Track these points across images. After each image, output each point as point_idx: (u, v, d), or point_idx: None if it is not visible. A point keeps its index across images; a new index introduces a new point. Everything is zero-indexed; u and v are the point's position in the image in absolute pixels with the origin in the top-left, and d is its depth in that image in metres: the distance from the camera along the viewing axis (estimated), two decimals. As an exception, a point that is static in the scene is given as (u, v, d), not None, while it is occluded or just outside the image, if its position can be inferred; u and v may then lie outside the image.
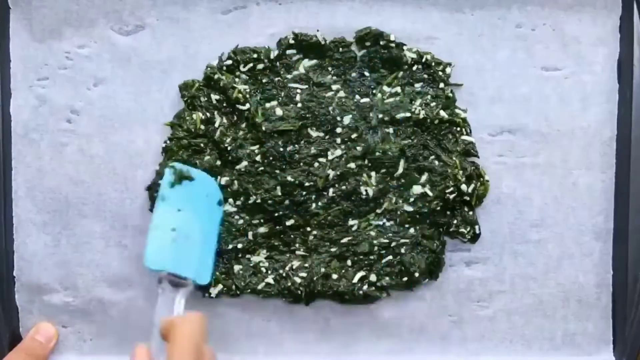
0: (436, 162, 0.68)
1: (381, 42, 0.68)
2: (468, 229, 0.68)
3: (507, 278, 0.69)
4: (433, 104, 0.68)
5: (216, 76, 0.68)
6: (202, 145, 0.69)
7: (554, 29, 0.68)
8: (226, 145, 0.68)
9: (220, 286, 0.68)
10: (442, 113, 0.68)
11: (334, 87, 0.68)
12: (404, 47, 0.68)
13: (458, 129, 0.68)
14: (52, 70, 0.69)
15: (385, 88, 0.68)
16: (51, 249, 0.69)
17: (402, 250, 0.68)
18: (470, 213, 0.68)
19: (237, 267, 0.69)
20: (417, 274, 0.68)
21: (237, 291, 0.68)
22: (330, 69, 0.69)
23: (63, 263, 0.69)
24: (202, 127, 0.69)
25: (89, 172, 0.69)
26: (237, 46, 0.69)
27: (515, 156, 0.69)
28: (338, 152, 0.68)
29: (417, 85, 0.68)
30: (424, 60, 0.68)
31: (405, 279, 0.68)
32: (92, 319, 0.70)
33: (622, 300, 0.68)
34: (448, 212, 0.68)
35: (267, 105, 0.68)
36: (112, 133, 0.69)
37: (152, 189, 0.69)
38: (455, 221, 0.68)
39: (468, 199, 0.68)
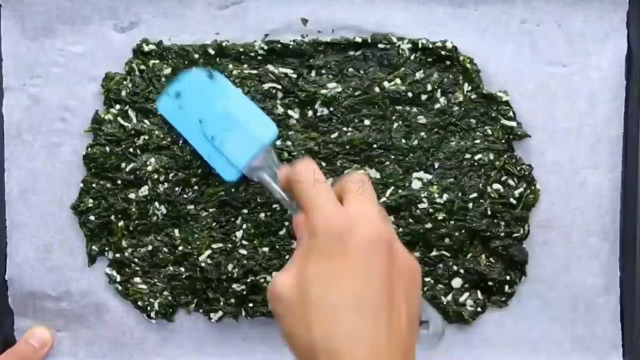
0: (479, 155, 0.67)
1: (380, 45, 0.67)
2: (521, 231, 0.67)
3: (512, 280, 0.68)
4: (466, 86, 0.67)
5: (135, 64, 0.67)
6: (130, 150, 0.67)
7: (559, 25, 0.67)
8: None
9: (220, 313, 0.67)
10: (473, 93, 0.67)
11: (330, 85, 0.67)
12: (395, 41, 0.67)
13: (497, 114, 0.67)
14: (45, 69, 0.67)
15: (386, 84, 0.67)
16: (43, 253, 0.68)
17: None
18: (517, 210, 0.67)
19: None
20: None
21: (247, 316, 0.68)
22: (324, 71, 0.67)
23: (56, 268, 0.68)
24: (129, 124, 0.67)
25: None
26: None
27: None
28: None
29: (431, 72, 0.67)
30: (420, 46, 0.66)
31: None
32: (88, 324, 0.69)
33: (631, 302, 0.67)
34: (490, 213, 0.67)
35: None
36: (107, 133, 0.68)
37: (78, 208, 0.67)
38: (503, 223, 0.67)
39: (515, 202, 0.66)
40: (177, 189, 0.67)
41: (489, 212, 0.66)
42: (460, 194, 0.66)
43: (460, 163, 0.67)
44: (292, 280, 0.48)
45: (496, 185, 0.67)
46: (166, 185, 0.67)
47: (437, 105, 0.67)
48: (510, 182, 0.67)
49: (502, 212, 0.67)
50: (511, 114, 0.67)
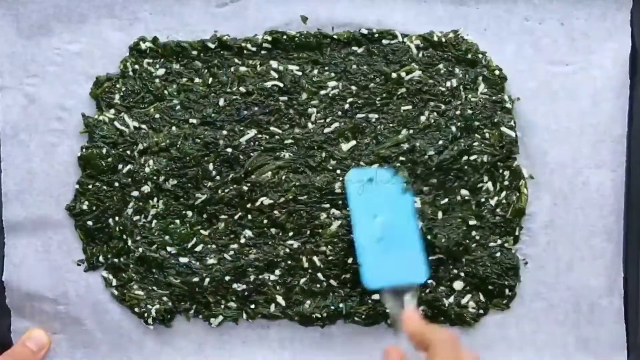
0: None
1: (384, 41, 0.66)
2: (511, 239, 0.66)
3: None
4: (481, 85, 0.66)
5: (129, 64, 0.66)
6: (128, 152, 0.66)
7: (562, 23, 0.66)
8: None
9: (220, 317, 0.67)
10: (482, 89, 0.66)
11: (331, 83, 0.66)
12: (405, 40, 0.66)
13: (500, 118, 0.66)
14: (42, 68, 0.67)
15: (393, 75, 0.66)
16: (41, 254, 0.68)
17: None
18: (507, 217, 0.66)
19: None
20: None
21: (249, 319, 0.67)
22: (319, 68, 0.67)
23: (54, 269, 0.68)
24: (126, 129, 0.66)
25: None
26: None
27: (524, 155, 0.67)
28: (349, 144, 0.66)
29: (441, 66, 0.66)
30: (435, 39, 0.66)
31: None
32: (85, 327, 0.68)
33: (635, 303, 0.67)
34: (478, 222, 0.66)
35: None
36: (105, 133, 0.67)
37: (73, 209, 0.67)
38: (494, 231, 0.66)
39: (504, 209, 0.66)
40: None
41: (477, 220, 0.66)
42: (447, 202, 0.66)
43: (458, 168, 0.66)
44: None
45: (485, 192, 0.66)
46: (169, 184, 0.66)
47: (443, 107, 0.66)
48: (500, 188, 0.66)
49: (492, 220, 0.66)
50: (512, 123, 0.66)
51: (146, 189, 0.66)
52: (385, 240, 0.62)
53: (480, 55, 0.66)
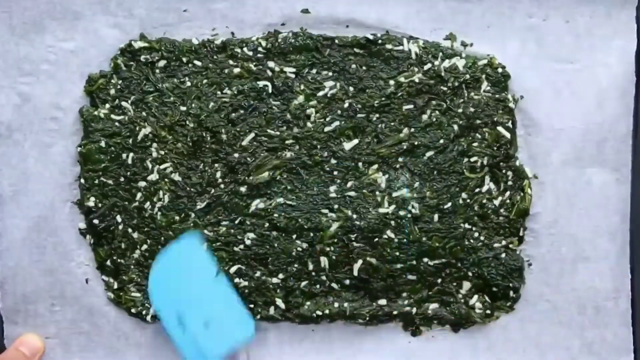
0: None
1: (387, 46, 0.66)
2: (515, 240, 0.66)
3: (518, 283, 0.67)
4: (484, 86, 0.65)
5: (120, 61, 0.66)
6: (129, 141, 0.66)
7: (567, 20, 0.66)
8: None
9: None
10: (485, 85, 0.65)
11: (328, 84, 0.65)
12: (404, 40, 0.66)
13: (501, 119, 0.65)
14: (35, 66, 0.66)
15: (391, 82, 0.66)
16: (36, 256, 0.67)
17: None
18: (510, 218, 0.66)
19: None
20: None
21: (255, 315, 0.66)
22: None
23: (49, 271, 0.67)
24: (125, 117, 0.65)
25: (76, 174, 0.67)
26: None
27: (527, 154, 0.66)
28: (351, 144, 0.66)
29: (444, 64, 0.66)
30: (434, 56, 0.65)
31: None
32: (81, 330, 0.67)
33: (642, 305, 0.66)
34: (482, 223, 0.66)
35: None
36: (100, 132, 0.67)
37: (81, 206, 0.66)
38: (497, 232, 0.66)
39: (507, 210, 0.65)
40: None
41: (481, 221, 0.66)
42: (450, 204, 0.65)
43: (458, 172, 0.65)
44: None
45: (488, 193, 0.65)
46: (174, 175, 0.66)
47: (444, 105, 0.65)
48: (502, 189, 0.66)
49: (495, 221, 0.66)
50: (510, 124, 0.65)
51: (153, 177, 0.65)
52: (192, 321, 0.60)
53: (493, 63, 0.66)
